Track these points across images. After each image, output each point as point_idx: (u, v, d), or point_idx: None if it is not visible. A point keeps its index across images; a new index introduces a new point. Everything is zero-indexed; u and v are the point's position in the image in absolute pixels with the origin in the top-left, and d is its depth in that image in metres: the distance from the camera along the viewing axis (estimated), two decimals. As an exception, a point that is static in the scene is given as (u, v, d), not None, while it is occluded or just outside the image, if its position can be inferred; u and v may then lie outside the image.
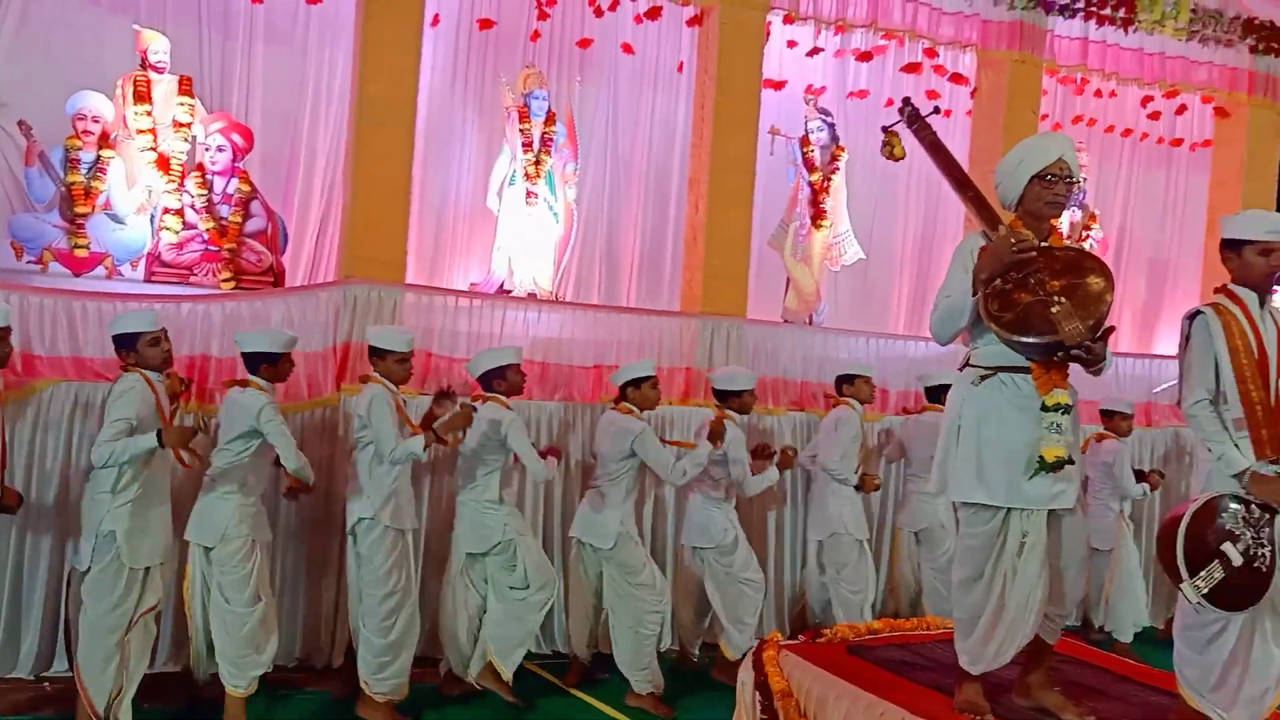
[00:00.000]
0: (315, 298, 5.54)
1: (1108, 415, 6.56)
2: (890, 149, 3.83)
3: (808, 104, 7.47)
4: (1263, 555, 3.29)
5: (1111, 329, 3.41)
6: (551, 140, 6.78)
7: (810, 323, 7.31)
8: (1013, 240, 3.31)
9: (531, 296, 6.60)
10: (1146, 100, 8.33)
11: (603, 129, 7.64)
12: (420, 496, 5.33)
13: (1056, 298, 3.24)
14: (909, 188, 8.48)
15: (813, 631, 4.41)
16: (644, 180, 7.77)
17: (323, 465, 5.20)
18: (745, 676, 4.08)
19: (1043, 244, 3.43)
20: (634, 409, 5.21)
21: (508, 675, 4.93)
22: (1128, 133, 8.94)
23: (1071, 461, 3.37)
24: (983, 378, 3.43)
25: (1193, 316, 3.52)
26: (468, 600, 4.97)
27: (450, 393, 5.06)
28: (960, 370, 3.58)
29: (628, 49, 7.30)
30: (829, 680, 3.78)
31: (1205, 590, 3.25)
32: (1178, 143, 9.24)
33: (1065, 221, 8.15)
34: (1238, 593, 3.27)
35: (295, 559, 5.26)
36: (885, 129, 3.80)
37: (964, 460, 3.43)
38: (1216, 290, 3.58)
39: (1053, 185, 3.43)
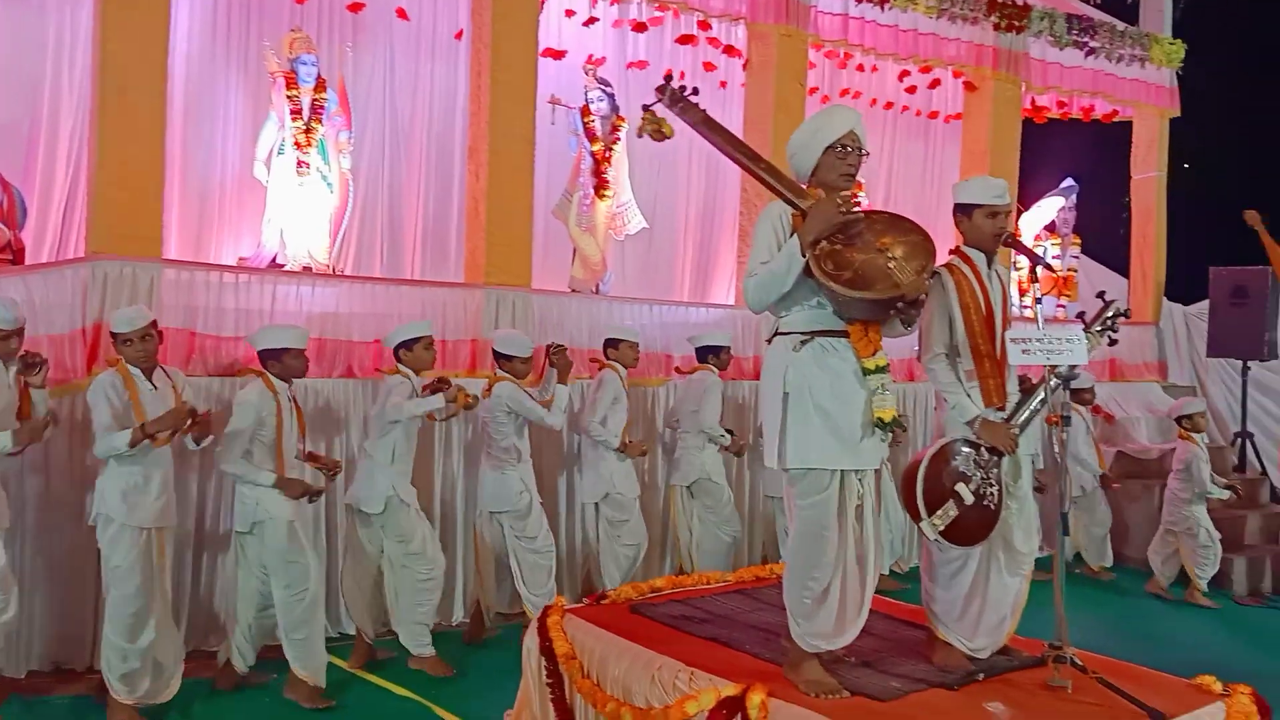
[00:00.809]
0: (60, 276, 5.12)
1: None
2: (656, 127, 3.76)
3: (587, 74, 7.50)
4: (991, 494, 3.59)
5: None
6: (323, 108, 6.52)
7: (596, 291, 7.39)
8: (839, 201, 3.33)
9: (306, 270, 6.35)
10: (903, 75, 8.84)
11: (380, 97, 7.43)
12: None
13: (889, 253, 3.32)
14: (690, 158, 8.70)
15: (597, 595, 4.48)
16: (425, 150, 7.63)
17: (74, 455, 4.86)
18: (530, 643, 4.10)
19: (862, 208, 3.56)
20: (408, 371, 5.16)
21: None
22: (889, 106, 9.48)
23: (904, 421, 3.54)
24: (802, 342, 3.42)
25: (931, 275, 3.76)
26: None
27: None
28: (770, 340, 3.57)
29: (402, 15, 7.10)
30: (610, 640, 3.85)
31: (941, 528, 3.52)
32: (934, 115, 9.89)
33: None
34: (970, 529, 3.56)
35: (48, 554, 4.90)
36: (646, 108, 3.78)
37: (796, 427, 3.40)
38: (951, 252, 3.86)
39: (845, 156, 3.51)
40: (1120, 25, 9.27)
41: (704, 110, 3.69)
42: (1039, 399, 3.64)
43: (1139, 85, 9.31)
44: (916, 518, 3.58)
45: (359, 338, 5.89)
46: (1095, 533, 7.55)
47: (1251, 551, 7.60)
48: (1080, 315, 3.60)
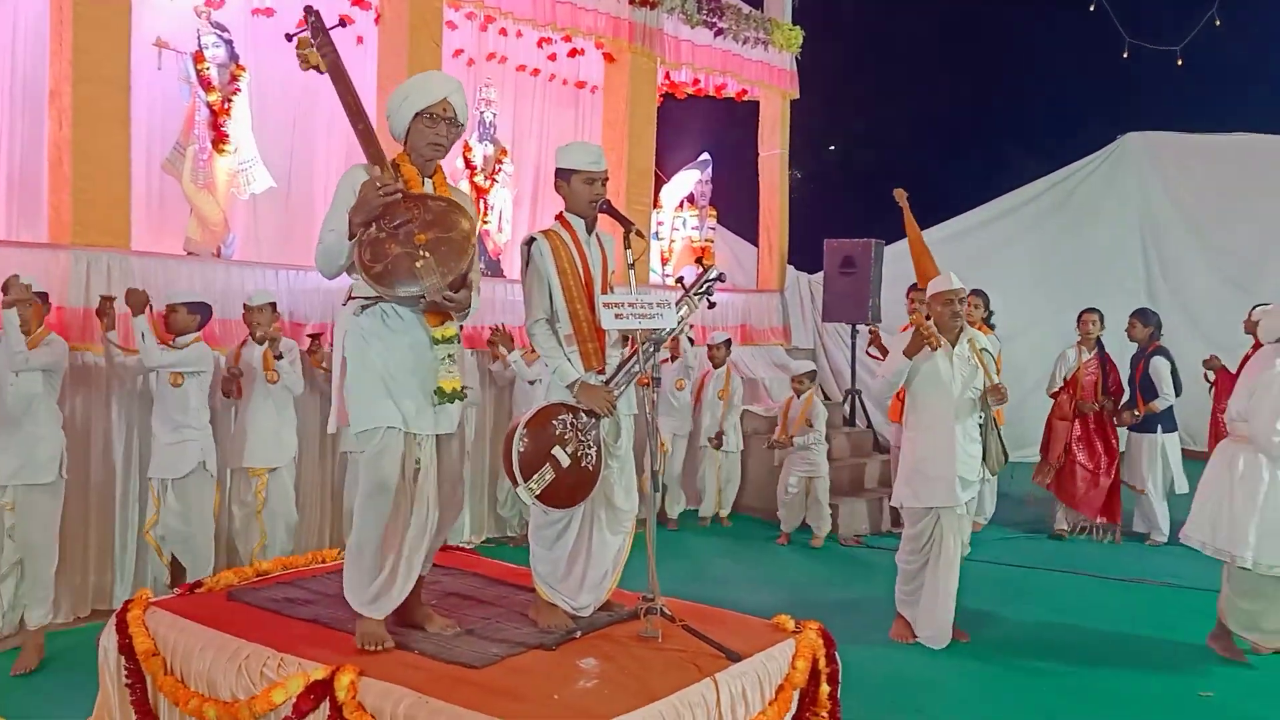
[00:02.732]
0: None
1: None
2: (304, 57, 3.59)
3: (200, 16, 6.86)
4: (589, 456, 3.67)
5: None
6: None
7: (218, 255, 6.83)
8: (379, 185, 3.28)
9: None
10: (544, 42, 8.87)
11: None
12: None
13: (422, 252, 3.29)
14: (331, 112, 8.23)
15: (191, 584, 4.13)
16: (11, 90, 6.67)
17: None
18: (108, 641, 3.72)
19: (421, 191, 3.44)
20: None
21: None
22: (536, 72, 9.49)
23: (465, 392, 3.51)
24: (363, 308, 3.41)
25: (530, 242, 3.79)
26: None
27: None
28: (345, 303, 3.51)
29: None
30: (197, 632, 3.56)
31: (538, 491, 3.56)
32: (581, 85, 10.05)
33: (479, 155, 8.48)
34: (569, 491, 3.63)
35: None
36: (290, 36, 3.57)
37: (355, 390, 3.39)
38: (556, 217, 3.87)
39: (435, 125, 3.46)
40: (746, 9, 9.84)
41: (337, 53, 3.55)
42: (640, 362, 3.75)
43: (763, 67, 9.96)
44: (515, 483, 3.58)
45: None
46: (726, 487, 8.10)
47: (869, 495, 8.40)
48: (680, 280, 3.74)
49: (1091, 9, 9.24)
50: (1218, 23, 9.02)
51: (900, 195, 8.29)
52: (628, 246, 3.75)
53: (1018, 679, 4.89)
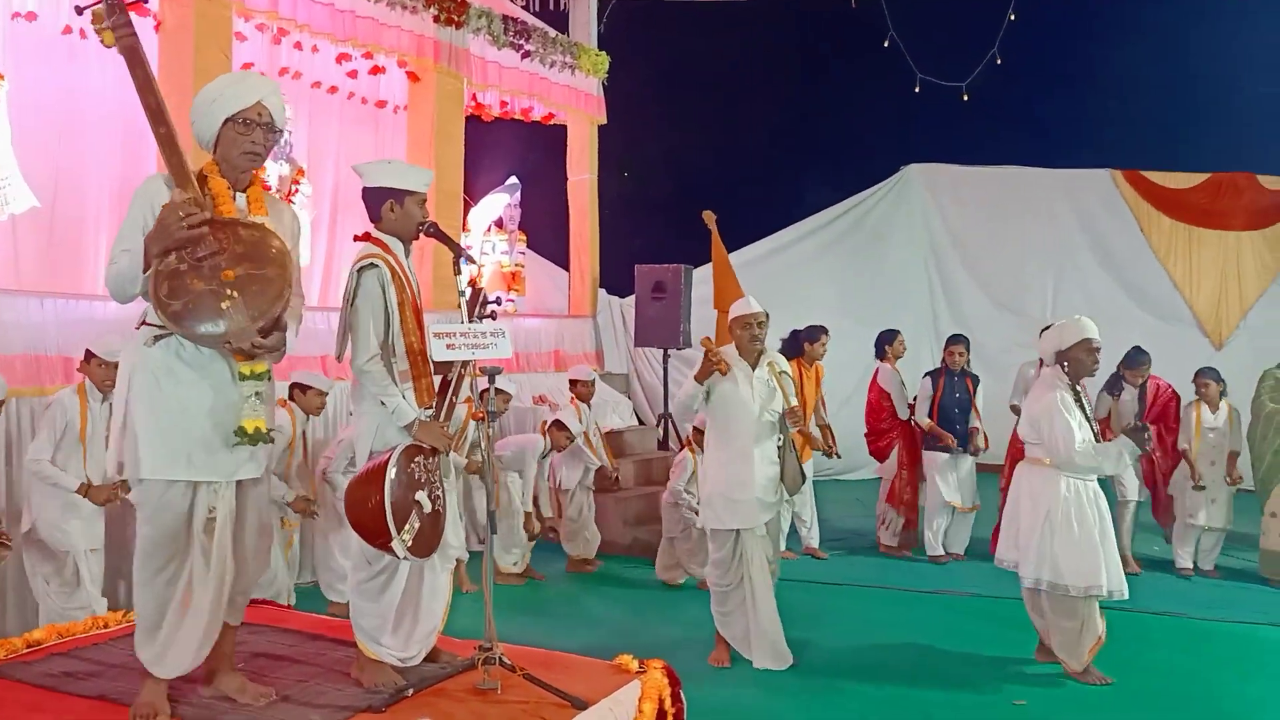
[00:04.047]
0: None
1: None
2: (97, 30, 3.11)
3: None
4: (440, 497, 3.42)
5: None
6: None
7: (-30, 282, 6.07)
8: (181, 214, 2.91)
9: None
10: (343, 58, 8.47)
11: None
12: None
13: (229, 291, 2.94)
14: (103, 123, 7.53)
15: (-55, 662, 3.57)
16: None
17: None
18: None
19: (233, 215, 3.09)
20: None
21: None
22: (334, 90, 9.06)
23: (271, 434, 3.16)
24: (157, 338, 3.03)
25: (363, 269, 3.48)
26: None
27: None
28: (138, 329, 3.11)
29: None
30: (-46, 721, 3.05)
31: (410, 543, 3.26)
32: (382, 104, 9.67)
33: (274, 175, 7.97)
34: (428, 537, 3.35)
35: None
36: (81, 9, 3.10)
37: (144, 432, 3.01)
38: (364, 239, 3.56)
39: (249, 131, 3.12)
40: (552, 32, 9.76)
41: (135, 36, 3.11)
42: (476, 395, 3.54)
43: (570, 91, 9.90)
44: (386, 538, 3.24)
45: None
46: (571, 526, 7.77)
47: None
48: (459, 306, 3.51)
49: (886, 45, 9.74)
50: (999, 61, 9.71)
51: (709, 218, 8.26)
52: (458, 273, 3.53)
53: (844, 699, 4.93)
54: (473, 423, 5.90)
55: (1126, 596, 5.11)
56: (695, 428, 6.83)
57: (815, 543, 8.06)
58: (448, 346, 3.41)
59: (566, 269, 10.78)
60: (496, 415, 3.54)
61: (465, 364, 3.55)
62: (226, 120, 3.12)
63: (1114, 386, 7.58)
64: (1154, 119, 11.98)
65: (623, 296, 11.10)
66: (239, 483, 3.17)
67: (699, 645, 5.50)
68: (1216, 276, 12.30)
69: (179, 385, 3.02)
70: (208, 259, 2.95)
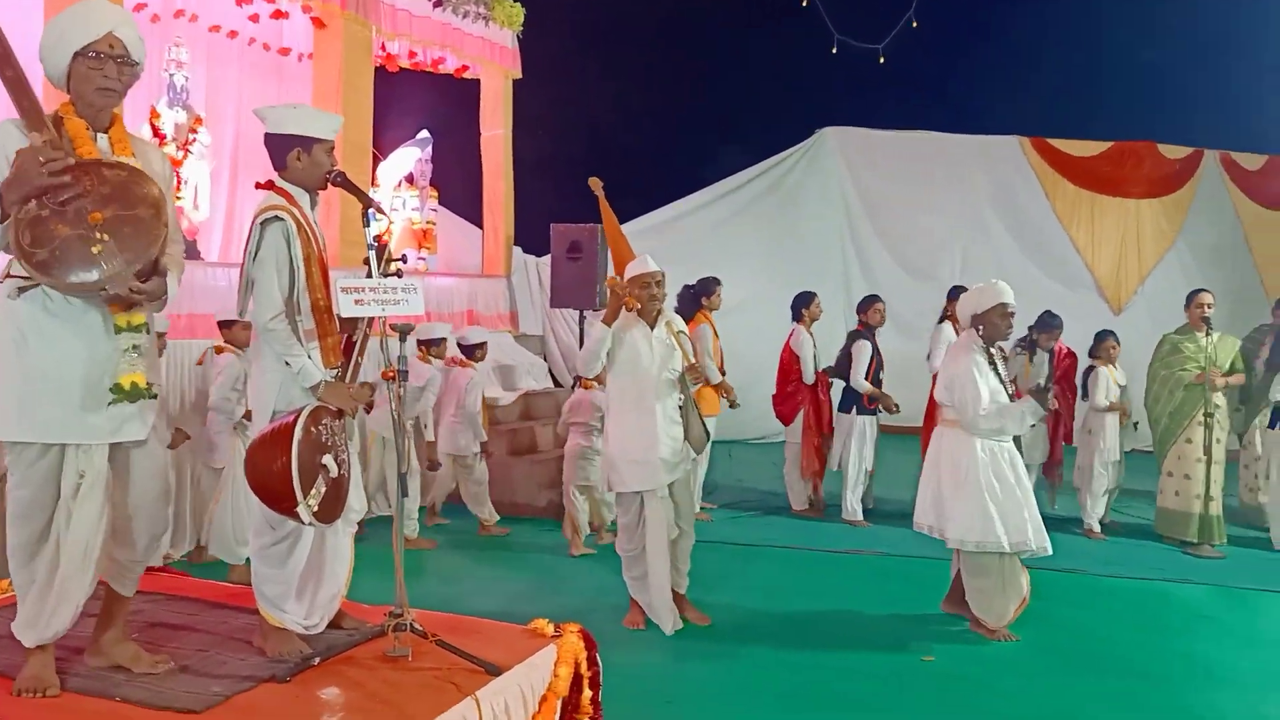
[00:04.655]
0: None
1: (226, 325, 6.23)
2: None
3: None
4: (345, 460, 3.28)
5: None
6: None
7: None
8: (42, 159, 2.70)
9: None
10: (243, 1, 8.07)
11: None
12: None
13: (99, 234, 2.74)
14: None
15: None
16: None
17: None
18: None
19: (94, 155, 2.88)
20: None
21: None
22: (234, 34, 8.66)
23: (154, 390, 2.98)
24: (21, 290, 2.83)
25: (266, 221, 3.30)
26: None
27: None
28: (0, 282, 2.89)
29: None
30: None
31: (316, 508, 3.11)
32: (286, 51, 9.28)
33: (169, 123, 7.59)
34: (333, 501, 3.21)
35: None
36: None
37: (9, 392, 2.83)
38: (267, 188, 3.38)
39: (101, 65, 2.90)
40: (466, -19, 9.48)
41: None
42: (385, 352, 3.38)
43: (484, 43, 9.63)
44: (291, 502, 3.08)
45: None
46: (473, 492, 7.63)
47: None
48: (365, 261, 3.36)
49: (804, 5, 9.68)
50: (915, 24, 9.74)
51: (595, 184, 7.95)
52: (367, 225, 3.37)
53: (757, 658, 4.96)
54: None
55: (1050, 553, 5.21)
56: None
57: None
58: (356, 302, 3.26)
59: (480, 227, 10.55)
60: (406, 375, 3.38)
61: (373, 322, 3.41)
62: (76, 55, 2.90)
63: (1027, 348, 7.75)
64: (1062, 87, 12.24)
65: (539, 256, 10.91)
66: (123, 445, 2.99)
67: (614, 609, 5.47)
68: (1117, 243, 12.68)
69: (47, 341, 2.84)
70: (72, 203, 2.74)
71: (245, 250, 3.31)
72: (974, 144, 12.86)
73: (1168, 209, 12.70)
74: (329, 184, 3.42)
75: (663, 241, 11.24)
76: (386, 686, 3.06)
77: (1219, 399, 7.12)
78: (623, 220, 11.28)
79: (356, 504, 3.50)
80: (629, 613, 5.39)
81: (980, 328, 5.21)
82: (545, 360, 10.31)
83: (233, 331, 5.99)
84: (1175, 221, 12.69)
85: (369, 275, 3.34)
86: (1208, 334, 7.19)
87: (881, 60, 9.97)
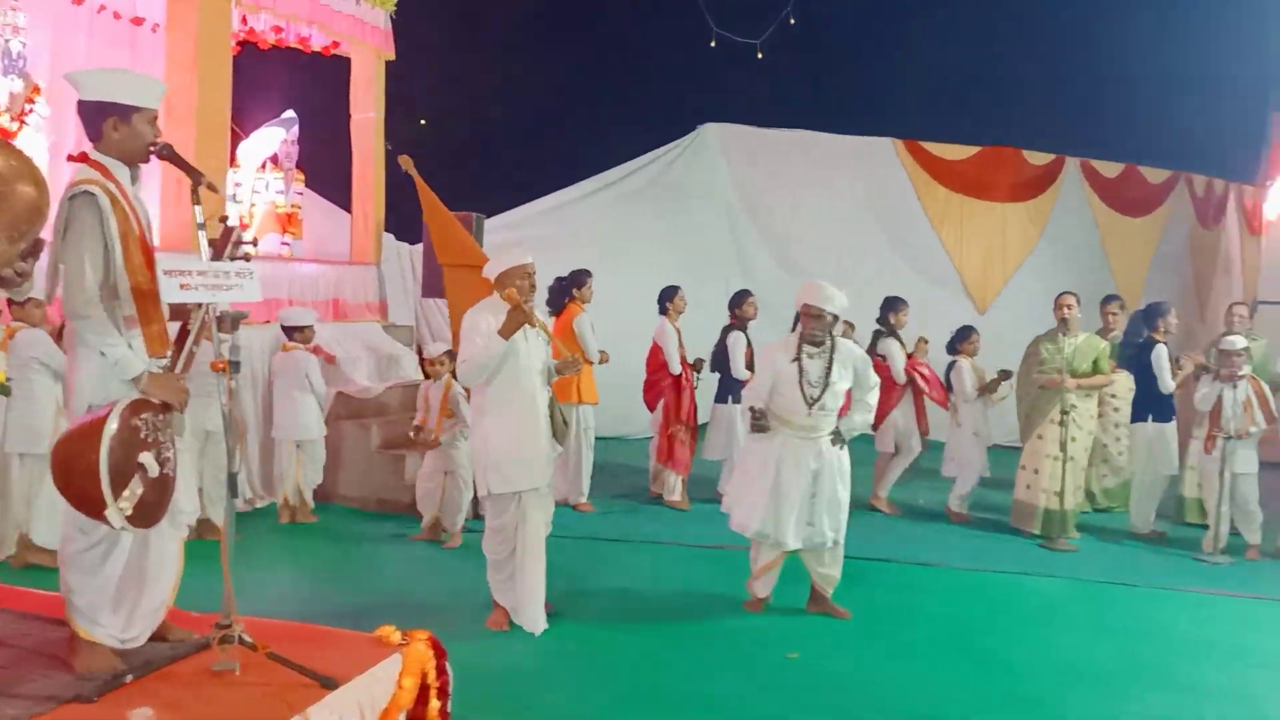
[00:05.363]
0: None
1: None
2: None
3: None
4: (170, 459, 3.01)
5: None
6: None
7: None
8: None
9: None
10: (90, -36, 7.56)
11: None
12: None
13: None
14: None
15: None
16: None
17: None
18: None
19: None
20: None
21: None
22: (79, 2, 8.09)
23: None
24: None
25: (75, 196, 3.01)
26: None
27: None
28: None
29: None
30: None
31: (130, 511, 2.83)
32: (139, 21, 8.74)
33: (3, 91, 7.04)
34: (154, 504, 2.94)
35: None
36: None
37: None
38: (78, 160, 3.09)
39: None
40: (335, -45, 9.07)
41: None
42: (217, 344, 3.12)
43: (354, 22, 9.22)
44: (99, 505, 2.80)
45: None
46: (310, 480, 7.35)
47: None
48: (211, 242, 3.12)
49: (683, -5, 9.60)
50: (792, 21, 9.75)
51: (405, 162, 7.07)
52: (197, 202, 3.10)
53: (624, 658, 4.86)
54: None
55: (790, 547, 5.37)
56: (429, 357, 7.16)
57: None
58: (181, 286, 3.00)
59: (350, 212, 10.15)
60: (239, 366, 3.14)
61: (208, 309, 3.14)
62: None
63: (888, 333, 8.07)
64: (935, 92, 12.50)
65: (412, 244, 10.56)
66: None
67: (476, 608, 5.29)
68: (984, 245, 13.04)
69: None
70: None
71: (54, 228, 3.02)
72: (850, 144, 13.03)
73: (1032, 213, 13.12)
74: (153, 157, 3.15)
75: (543, 231, 11.06)
76: (207, 705, 2.83)
77: (1073, 399, 7.33)
78: (502, 210, 11.05)
79: (187, 505, 3.27)
80: (492, 614, 5.22)
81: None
82: (416, 352, 9.96)
83: (24, 309, 5.57)
84: (1038, 225, 13.13)
85: (214, 259, 3.09)
86: (1069, 335, 7.42)
87: (760, 56, 9.98)
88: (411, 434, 7.05)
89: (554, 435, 5.17)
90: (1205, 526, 7.28)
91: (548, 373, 5.19)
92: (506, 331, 4.86)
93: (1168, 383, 7.47)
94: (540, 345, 5.12)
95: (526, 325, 4.93)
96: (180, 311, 3.17)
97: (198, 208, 3.12)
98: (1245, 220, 16.08)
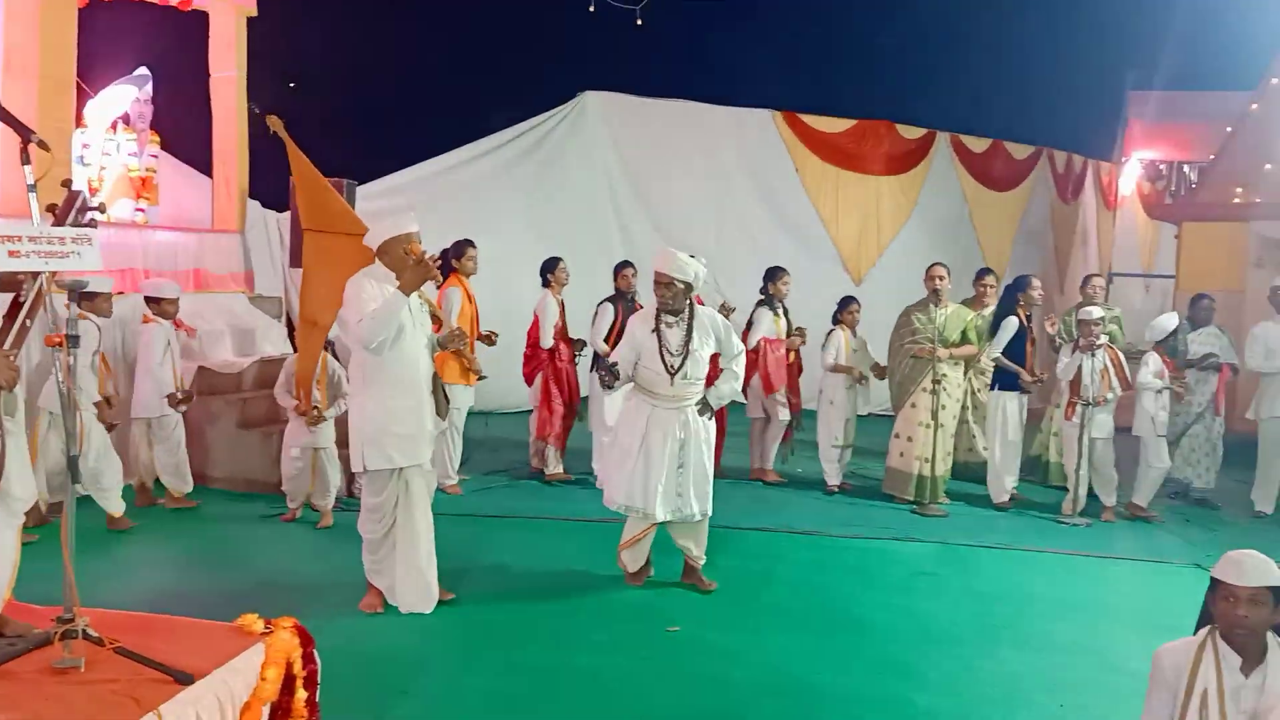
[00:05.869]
0: None
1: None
2: None
3: None
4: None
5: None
6: None
7: None
8: None
9: None
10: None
11: None
12: None
13: None
14: None
15: None
16: None
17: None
18: None
19: None
20: None
21: None
22: (-99, -60, 7.40)
23: None
24: None
25: None
26: None
27: None
28: None
29: None
30: None
31: None
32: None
33: None
34: None
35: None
36: None
37: None
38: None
39: None
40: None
41: None
42: (51, 314, 2.88)
43: (212, -25, 8.75)
44: None
45: None
46: (166, 460, 6.95)
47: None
48: (51, 208, 2.88)
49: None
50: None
51: (275, 123, 6.37)
52: (26, 162, 2.85)
53: (505, 638, 4.77)
54: None
55: (659, 519, 5.35)
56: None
57: None
58: (10, 254, 2.75)
59: (211, 176, 9.64)
60: (77, 340, 2.90)
61: (42, 279, 2.89)
62: None
63: (769, 304, 8.11)
64: (812, 65, 12.65)
65: (280, 211, 10.11)
66: None
67: (349, 590, 5.12)
68: (859, 217, 13.30)
69: None
70: None
71: None
72: (728, 115, 13.07)
73: (904, 185, 13.43)
74: (-15, 116, 2.87)
75: (420, 197, 10.73)
76: (50, 705, 2.62)
77: (944, 368, 7.52)
78: (377, 176, 10.65)
79: (22, 491, 3.02)
80: (366, 596, 5.06)
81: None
82: (283, 324, 9.58)
83: None
84: (910, 197, 13.45)
85: (55, 225, 2.84)
86: (940, 306, 7.60)
87: (639, 24, 9.88)
88: (292, 410, 6.74)
89: (436, 411, 5.05)
90: (1066, 489, 7.58)
91: (432, 347, 5.04)
92: (408, 286, 4.72)
93: (994, 350, 7.73)
94: (424, 318, 4.98)
95: (411, 297, 4.76)
96: (11, 282, 2.91)
97: (28, 168, 2.87)
98: (1102, 195, 16.87)
